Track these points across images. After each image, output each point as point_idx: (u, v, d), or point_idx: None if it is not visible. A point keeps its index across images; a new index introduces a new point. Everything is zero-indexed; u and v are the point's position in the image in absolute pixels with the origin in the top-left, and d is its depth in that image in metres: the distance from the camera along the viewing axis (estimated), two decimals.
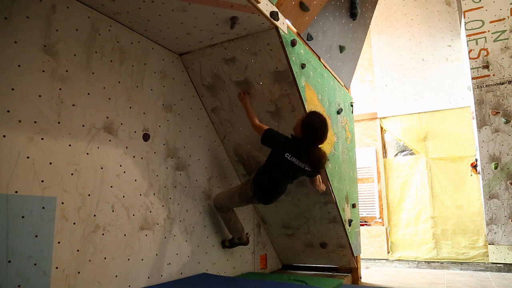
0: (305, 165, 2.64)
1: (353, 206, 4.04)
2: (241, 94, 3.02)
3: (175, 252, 2.81)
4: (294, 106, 3.01)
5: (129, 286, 2.39)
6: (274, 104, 3.06)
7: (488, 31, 5.14)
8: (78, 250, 2.11)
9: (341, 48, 3.92)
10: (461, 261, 5.42)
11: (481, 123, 4.98)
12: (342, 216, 3.57)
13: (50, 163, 2.03)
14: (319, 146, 2.66)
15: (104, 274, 2.24)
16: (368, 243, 6.09)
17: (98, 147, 2.32)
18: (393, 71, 6.60)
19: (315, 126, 2.55)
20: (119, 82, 2.54)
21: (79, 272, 2.09)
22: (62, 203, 2.06)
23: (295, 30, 3.04)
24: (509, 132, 4.82)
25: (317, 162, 2.64)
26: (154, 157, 2.73)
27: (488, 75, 5.04)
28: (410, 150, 6.24)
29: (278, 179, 2.75)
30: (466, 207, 5.60)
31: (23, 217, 1.86)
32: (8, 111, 1.87)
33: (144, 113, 2.70)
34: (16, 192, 1.85)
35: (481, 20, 5.20)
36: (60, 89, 2.13)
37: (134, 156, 2.57)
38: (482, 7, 5.22)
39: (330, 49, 3.71)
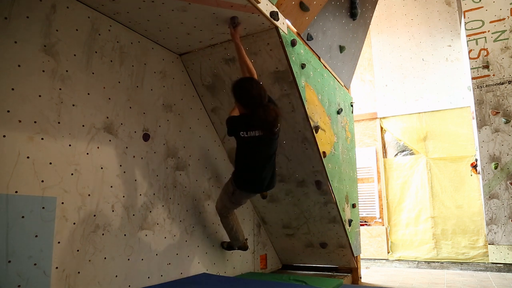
0: (259, 131, 2.43)
1: (353, 206, 4.04)
2: (231, 29, 2.59)
3: (175, 252, 2.81)
4: (294, 106, 3.01)
5: (129, 286, 2.39)
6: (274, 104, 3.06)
7: (488, 31, 5.14)
8: (78, 250, 2.11)
9: (341, 48, 3.92)
10: (461, 261, 5.42)
11: (481, 123, 4.98)
12: (342, 216, 3.57)
13: (50, 163, 2.03)
14: (267, 108, 2.38)
15: (104, 274, 2.24)
16: (368, 243, 6.09)
17: (98, 147, 2.32)
18: (393, 71, 6.60)
19: (242, 88, 2.39)
20: (119, 82, 2.54)
21: (79, 272, 2.09)
22: (62, 203, 2.06)
23: (295, 30, 3.04)
24: (509, 132, 4.81)
25: (266, 122, 2.35)
26: (154, 157, 2.73)
27: (488, 75, 5.04)
28: (410, 150, 6.24)
29: (254, 163, 2.58)
30: (466, 207, 5.60)
31: (23, 217, 1.86)
32: (8, 111, 1.87)
33: (144, 113, 2.70)
34: (16, 192, 1.85)
35: (481, 20, 5.20)
36: (60, 89, 2.13)
37: (134, 156, 2.57)
38: (482, 7, 5.22)
39: (330, 49, 3.71)
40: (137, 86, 2.68)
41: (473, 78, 5.13)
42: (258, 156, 2.57)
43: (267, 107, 2.37)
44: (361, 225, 5.57)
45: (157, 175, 2.74)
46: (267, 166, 2.62)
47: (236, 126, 2.51)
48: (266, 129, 2.39)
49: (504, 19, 5.07)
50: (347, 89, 4.37)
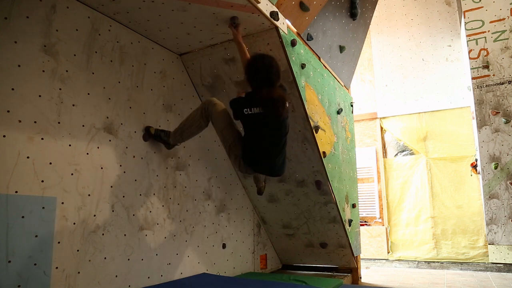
0: (260, 108, 2.31)
1: (353, 206, 4.04)
2: (232, 29, 2.59)
3: (175, 252, 2.81)
4: (294, 106, 3.01)
5: (129, 286, 2.39)
6: None
7: (488, 31, 5.14)
8: (78, 250, 2.11)
9: (341, 48, 3.92)
10: (461, 261, 5.42)
11: (481, 123, 4.98)
12: (342, 216, 3.57)
13: (50, 163, 2.03)
14: (273, 89, 2.28)
15: (104, 274, 2.24)
16: (368, 243, 6.09)
17: (98, 147, 2.32)
18: (393, 71, 6.60)
19: (253, 64, 2.28)
20: (119, 82, 2.54)
21: (79, 272, 2.09)
22: (62, 203, 2.06)
23: (295, 30, 3.04)
24: (509, 132, 4.81)
25: (268, 99, 2.23)
26: (154, 157, 2.73)
27: (488, 75, 5.04)
28: (410, 150, 6.24)
29: (260, 144, 2.41)
30: (466, 207, 5.60)
31: (23, 217, 1.86)
32: (8, 111, 1.87)
33: (144, 113, 2.70)
34: (16, 192, 1.85)
35: (481, 20, 5.20)
36: (60, 89, 2.13)
37: (134, 156, 2.57)
38: (482, 7, 5.22)
39: (330, 49, 3.71)
40: (137, 86, 2.68)
41: (473, 78, 5.13)
42: (264, 136, 2.39)
43: (272, 88, 2.26)
44: (361, 225, 5.57)
45: (157, 175, 2.74)
46: (275, 149, 2.44)
47: (239, 104, 2.39)
48: (268, 106, 2.25)
49: (504, 19, 5.07)
50: (347, 89, 4.37)
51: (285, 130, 2.45)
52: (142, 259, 2.52)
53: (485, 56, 5.10)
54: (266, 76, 2.25)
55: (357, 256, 4.06)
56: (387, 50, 6.71)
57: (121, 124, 2.51)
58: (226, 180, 3.50)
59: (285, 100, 2.28)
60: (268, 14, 2.50)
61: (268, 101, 2.24)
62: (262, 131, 2.39)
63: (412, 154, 6.21)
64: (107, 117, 2.41)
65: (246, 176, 3.60)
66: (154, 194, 2.69)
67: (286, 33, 2.77)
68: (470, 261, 5.36)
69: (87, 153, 2.25)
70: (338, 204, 3.49)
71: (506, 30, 5.04)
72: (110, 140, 2.41)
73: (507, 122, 4.83)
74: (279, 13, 2.63)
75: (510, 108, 4.86)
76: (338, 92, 3.92)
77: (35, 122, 1.98)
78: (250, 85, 2.34)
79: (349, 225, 3.77)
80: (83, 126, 2.24)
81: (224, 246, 3.34)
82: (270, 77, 2.26)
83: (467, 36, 5.26)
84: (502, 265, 4.94)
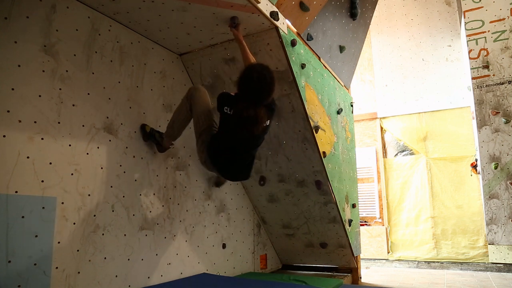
0: (239, 126, 2.23)
1: (353, 206, 4.04)
2: (233, 29, 2.55)
3: (175, 252, 2.81)
4: (294, 106, 3.01)
5: (129, 286, 2.39)
6: None
7: (488, 31, 5.14)
8: (78, 250, 2.11)
9: (341, 48, 3.92)
10: (461, 261, 5.42)
11: (481, 123, 4.98)
12: (342, 216, 3.57)
13: (50, 163, 2.03)
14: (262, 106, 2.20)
15: (104, 274, 2.24)
16: (368, 243, 6.09)
17: (98, 147, 2.32)
18: (393, 71, 6.60)
19: (250, 78, 2.14)
20: (119, 82, 2.54)
21: (79, 272, 2.09)
22: (62, 203, 2.06)
23: (295, 30, 3.04)
24: (509, 132, 4.81)
25: (242, 118, 2.15)
26: (154, 157, 2.73)
27: (488, 75, 5.04)
28: (410, 150, 6.24)
29: (229, 146, 2.34)
30: (466, 207, 5.60)
31: (23, 217, 1.86)
32: (8, 111, 1.87)
33: (144, 113, 2.70)
34: (16, 192, 1.85)
35: (481, 20, 5.20)
36: (60, 89, 2.13)
37: (134, 156, 2.57)
38: (482, 7, 5.22)
39: (330, 49, 3.71)
40: (137, 86, 2.68)
41: (473, 78, 5.13)
42: (235, 140, 2.33)
43: (253, 105, 2.15)
44: (361, 225, 5.57)
45: (157, 175, 2.74)
46: (241, 156, 2.41)
47: (224, 100, 2.30)
48: (240, 122, 2.19)
49: (504, 19, 5.07)
50: (347, 89, 4.37)
51: (257, 143, 2.42)
52: (142, 259, 2.52)
53: (485, 56, 5.10)
54: (255, 92, 2.15)
55: (357, 256, 4.06)
56: (387, 50, 6.71)
57: (121, 124, 2.51)
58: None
59: (262, 120, 2.19)
60: (268, 14, 2.50)
61: (241, 118, 2.17)
62: (235, 135, 2.31)
63: (412, 154, 6.21)
64: (107, 117, 2.41)
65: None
66: (154, 194, 2.69)
67: (286, 33, 2.77)
68: (470, 261, 5.36)
69: (87, 153, 2.25)
70: (338, 204, 3.49)
71: (506, 30, 5.04)
72: (110, 140, 2.41)
73: (507, 122, 4.83)
74: (279, 13, 2.63)
75: (510, 108, 4.86)
76: (338, 92, 3.92)
77: (35, 122, 1.98)
78: (237, 89, 2.23)
79: (349, 225, 3.77)
80: (83, 126, 2.24)
81: (224, 246, 3.34)
82: (258, 95, 2.16)
83: (467, 36, 5.26)
84: (502, 265, 4.94)
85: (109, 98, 2.45)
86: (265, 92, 2.18)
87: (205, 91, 2.55)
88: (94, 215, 2.23)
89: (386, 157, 6.43)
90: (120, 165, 2.46)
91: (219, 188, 3.32)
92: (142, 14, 2.49)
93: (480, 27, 5.20)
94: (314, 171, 3.34)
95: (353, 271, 4.03)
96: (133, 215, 2.50)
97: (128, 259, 2.41)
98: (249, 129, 2.22)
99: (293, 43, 2.86)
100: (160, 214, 2.72)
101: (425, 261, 5.64)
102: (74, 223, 2.11)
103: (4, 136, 1.84)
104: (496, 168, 4.82)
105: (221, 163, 2.42)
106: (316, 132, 3.18)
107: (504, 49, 5.01)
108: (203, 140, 2.43)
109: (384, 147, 6.49)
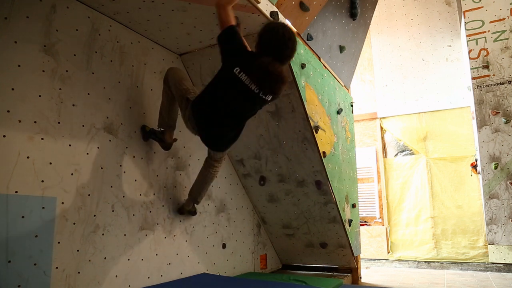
0: (256, 86, 2.00)
1: (353, 206, 4.04)
2: None
3: (175, 252, 2.81)
4: (294, 106, 3.01)
5: (129, 286, 2.39)
6: (274, 104, 3.06)
7: (488, 31, 5.14)
8: (78, 250, 2.11)
9: (341, 48, 3.92)
10: (461, 261, 5.42)
11: (481, 123, 4.98)
12: (342, 216, 3.57)
13: (50, 163, 2.03)
14: (281, 66, 2.04)
15: (104, 274, 2.24)
16: (368, 243, 6.09)
17: (98, 147, 2.32)
18: (393, 71, 6.60)
19: (276, 31, 1.99)
20: (119, 82, 2.54)
21: (79, 272, 2.09)
22: (62, 203, 2.06)
23: (295, 30, 3.03)
24: (509, 132, 4.81)
25: (267, 74, 1.96)
26: (154, 157, 2.73)
27: (488, 75, 5.04)
28: (410, 150, 6.24)
29: (223, 107, 2.11)
30: (466, 207, 5.60)
31: (23, 217, 1.86)
32: (8, 111, 1.87)
33: (144, 113, 2.70)
34: (16, 192, 1.85)
35: (481, 20, 5.20)
36: (60, 89, 2.13)
37: (134, 156, 2.57)
38: (482, 7, 5.22)
39: (330, 49, 3.71)
40: (137, 86, 2.68)
41: (473, 78, 5.13)
42: (229, 104, 2.10)
43: (279, 63, 1.99)
44: (361, 225, 5.56)
45: (157, 175, 2.74)
46: (232, 121, 2.18)
47: (238, 58, 2.04)
48: (264, 79, 1.98)
49: (504, 19, 5.08)
50: (347, 89, 4.37)
51: (255, 110, 2.19)
52: (142, 259, 2.52)
53: (485, 56, 5.10)
54: (281, 46, 1.98)
55: (357, 256, 4.06)
56: (387, 50, 6.71)
57: (121, 124, 2.50)
58: (226, 180, 3.50)
59: (286, 81, 2.04)
60: (268, 14, 2.50)
61: (266, 74, 1.97)
62: (233, 99, 2.08)
63: (412, 154, 6.21)
64: (107, 117, 2.41)
65: (246, 176, 3.60)
66: (154, 194, 2.69)
67: None
68: (470, 261, 5.36)
69: (87, 153, 2.25)
70: (338, 204, 3.49)
71: (506, 30, 5.04)
72: (110, 140, 2.41)
73: (507, 122, 4.83)
74: (279, 13, 2.63)
75: (510, 108, 4.86)
76: (338, 92, 3.92)
77: (35, 122, 1.98)
78: (257, 47, 2.03)
79: (349, 225, 3.77)
80: (83, 126, 2.24)
81: (224, 246, 3.34)
82: (284, 50, 2.00)
83: (467, 36, 5.26)
84: (502, 265, 4.94)
85: (109, 98, 2.45)
86: (291, 49, 2.03)
87: (178, 68, 2.53)
88: (94, 215, 2.23)
89: (386, 157, 6.43)
90: (120, 165, 2.46)
91: (183, 215, 2.92)
92: (142, 14, 2.49)
93: (480, 27, 5.20)
94: (314, 171, 3.34)
95: (353, 271, 4.03)
96: (133, 215, 2.50)
97: (128, 259, 2.41)
98: (271, 90, 2.03)
99: None
100: (160, 214, 2.72)
101: (425, 261, 5.64)
102: (74, 223, 2.11)
103: (4, 136, 1.84)
104: (496, 168, 4.82)
105: (206, 126, 2.21)
106: (316, 132, 3.18)
107: (504, 49, 5.01)
108: (188, 98, 2.27)
109: (384, 147, 6.49)
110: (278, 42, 1.99)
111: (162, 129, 2.60)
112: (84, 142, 2.24)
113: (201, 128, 2.25)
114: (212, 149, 2.42)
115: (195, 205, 2.89)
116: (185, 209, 2.84)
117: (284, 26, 2.07)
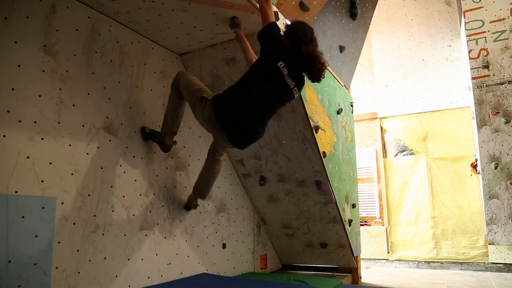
0: (292, 81, 2.16)
1: (353, 206, 4.04)
2: (237, 29, 2.55)
3: (175, 252, 2.81)
4: (294, 106, 3.01)
5: (129, 286, 2.39)
6: None
7: (488, 31, 5.14)
8: (78, 250, 2.11)
9: (341, 48, 3.92)
10: (461, 261, 5.42)
11: (481, 123, 4.98)
12: (342, 216, 3.57)
13: (50, 163, 2.03)
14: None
15: (104, 274, 2.24)
16: (368, 243, 6.09)
17: (98, 147, 2.32)
18: (393, 71, 6.60)
19: (305, 26, 2.18)
20: (119, 82, 2.54)
21: (79, 272, 2.09)
22: (62, 203, 2.06)
23: None
24: (509, 132, 4.81)
25: (313, 58, 2.09)
26: (154, 157, 2.73)
27: (488, 75, 5.04)
28: (410, 150, 6.24)
29: (258, 101, 2.14)
30: (466, 207, 5.59)
31: (23, 217, 1.86)
32: (8, 111, 1.87)
33: (144, 113, 2.70)
34: (16, 192, 1.85)
35: (481, 20, 5.20)
36: (60, 89, 2.13)
37: (134, 156, 2.57)
38: (482, 7, 5.22)
39: (330, 49, 3.71)
40: (137, 86, 2.68)
41: (473, 78, 5.13)
42: (262, 98, 2.15)
43: (313, 47, 2.13)
44: (361, 225, 5.56)
45: (157, 175, 2.74)
46: (264, 114, 2.22)
47: (282, 52, 2.13)
48: (312, 63, 2.10)
49: (504, 19, 5.07)
50: (347, 89, 4.37)
51: (281, 106, 2.30)
52: (142, 259, 2.52)
53: (485, 56, 5.10)
54: (311, 33, 2.16)
55: (357, 256, 4.06)
56: (387, 50, 6.71)
57: (121, 124, 2.51)
58: (226, 180, 3.50)
59: (322, 58, 2.14)
60: None
61: (313, 59, 2.09)
62: (270, 93, 2.15)
63: (412, 154, 6.21)
64: (107, 117, 2.41)
65: (246, 176, 3.60)
66: (154, 194, 2.69)
67: None
68: (470, 261, 5.36)
69: (87, 153, 2.25)
70: (338, 204, 3.49)
71: (506, 30, 5.04)
72: (110, 140, 2.41)
73: (507, 122, 4.83)
74: (279, 13, 2.63)
75: (510, 108, 4.86)
76: (338, 92, 3.92)
77: (35, 122, 1.98)
78: (289, 43, 2.13)
79: (349, 225, 3.77)
80: (83, 126, 2.24)
81: (224, 246, 3.34)
82: (315, 40, 2.17)
83: (467, 36, 5.26)
84: (502, 265, 4.94)
85: (109, 98, 2.45)
86: (315, 45, 2.17)
87: (186, 71, 2.52)
88: (94, 215, 2.23)
89: (386, 157, 6.43)
90: (120, 165, 2.46)
91: (188, 211, 2.98)
92: (142, 14, 2.49)
93: (480, 27, 5.20)
94: (314, 171, 3.34)
95: (353, 271, 4.03)
96: (133, 215, 2.50)
97: (128, 259, 2.41)
98: (318, 72, 2.14)
99: None
100: (160, 214, 2.72)
101: (425, 261, 5.64)
102: (74, 223, 2.11)
103: (4, 136, 1.84)
104: (496, 168, 4.82)
105: (236, 124, 2.18)
106: (316, 132, 3.18)
107: (504, 49, 5.01)
108: (202, 97, 2.26)
109: (384, 147, 6.49)
110: (310, 33, 2.16)
111: (164, 133, 2.63)
112: (84, 142, 2.24)
113: (227, 125, 2.18)
114: (237, 146, 2.33)
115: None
116: (192, 204, 2.90)
117: (303, 22, 2.26)
